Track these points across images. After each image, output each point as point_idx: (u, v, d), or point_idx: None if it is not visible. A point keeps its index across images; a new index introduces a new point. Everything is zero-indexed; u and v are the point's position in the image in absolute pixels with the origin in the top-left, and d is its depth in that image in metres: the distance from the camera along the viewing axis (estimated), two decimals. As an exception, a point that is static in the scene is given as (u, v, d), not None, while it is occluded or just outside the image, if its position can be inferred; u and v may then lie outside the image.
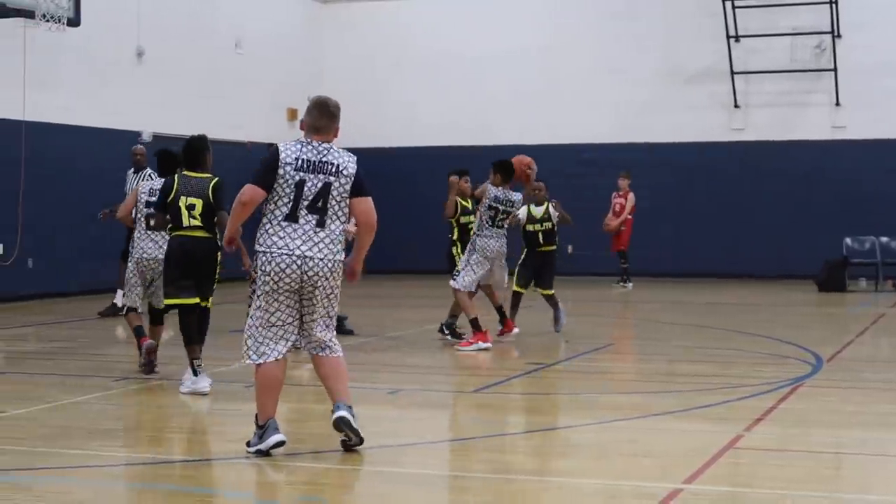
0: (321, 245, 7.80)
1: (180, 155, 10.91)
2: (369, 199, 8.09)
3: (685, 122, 25.21)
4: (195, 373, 10.31)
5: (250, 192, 7.79)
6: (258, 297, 7.86)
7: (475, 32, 26.56)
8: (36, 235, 18.63)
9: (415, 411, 9.70)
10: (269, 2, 25.76)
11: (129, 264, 11.66)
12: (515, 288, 14.78)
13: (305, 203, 7.77)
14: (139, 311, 11.63)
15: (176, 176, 10.60)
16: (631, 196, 22.95)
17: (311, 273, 7.77)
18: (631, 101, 25.56)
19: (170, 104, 22.46)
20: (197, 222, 10.32)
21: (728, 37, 24.59)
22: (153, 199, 11.28)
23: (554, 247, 14.94)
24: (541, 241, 14.75)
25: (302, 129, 8.17)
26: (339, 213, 7.91)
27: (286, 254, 7.72)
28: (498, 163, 14.29)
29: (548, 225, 14.79)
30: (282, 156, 7.80)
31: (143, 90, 21.84)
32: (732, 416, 9.29)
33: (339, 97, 24.79)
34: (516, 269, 14.84)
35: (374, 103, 27.11)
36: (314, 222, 7.80)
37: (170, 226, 10.50)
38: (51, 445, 8.25)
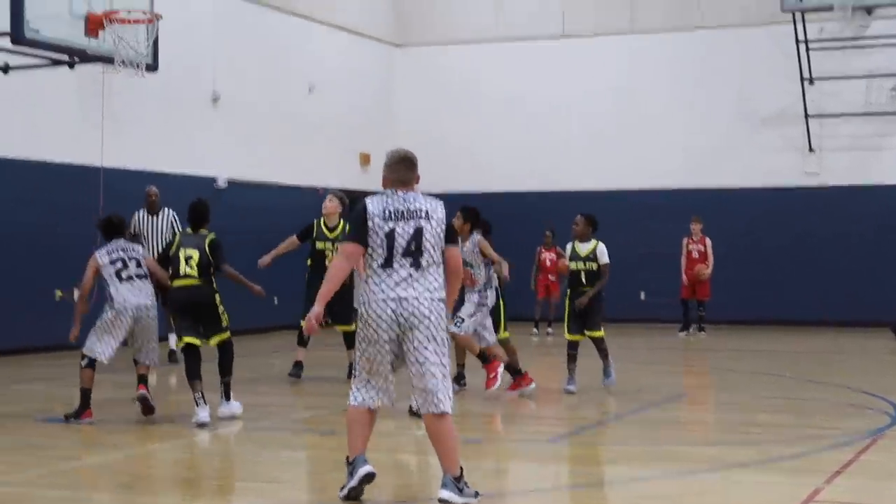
0: (418, 287, 7.79)
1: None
2: (457, 247, 8.17)
3: (759, 165, 25.02)
4: (197, 404, 10.89)
5: (350, 248, 7.89)
6: (360, 346, 7.92)
7: (547, 76, 26.57)
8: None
9: (488, 462, 9.63)
10: (343, 47, 25.94)
11: (109, 314, 11.50)
12: (569, 337, 14.15)
13: (400, 250, 7.81)
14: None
15: (178, 236, 11.67)
16: (708, 241, 22.69)
17: (406, 314, 7.74)
18: (704, 145, 25.41)
19: (244, 149, 22.66)
20: (193, 272, 11.19)
21: (802, 79, 24.39)
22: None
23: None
24: (584, 281, 14.02)
25: (385, 185, 8.12)
26: (435, 257, 7.92)
27: (382, 299, 7.74)
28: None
29: (592, 265, 14.05)
30: (369, 209, 7.87)
31: (218, 135, 22.06)
32: (811, 469, 9.14)
33: (412, 141, 25.00)
34: (566, 316, 14.22)
35: (446, 147, 27.15)
36: (409, 265, 7.82)
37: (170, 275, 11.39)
38: (128, 494, 8.29)
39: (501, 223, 26.16)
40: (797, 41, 24.12)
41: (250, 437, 10.69)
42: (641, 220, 25.35)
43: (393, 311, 7.74)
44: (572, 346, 14.07)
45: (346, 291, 13.79)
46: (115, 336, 11.41)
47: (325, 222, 14.73)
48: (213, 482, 8.88)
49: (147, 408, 11.24)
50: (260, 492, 8.41)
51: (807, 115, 24.59)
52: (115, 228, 11.83)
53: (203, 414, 10.79)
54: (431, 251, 7.88)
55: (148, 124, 20.53)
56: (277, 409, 12.51)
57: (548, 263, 23.09)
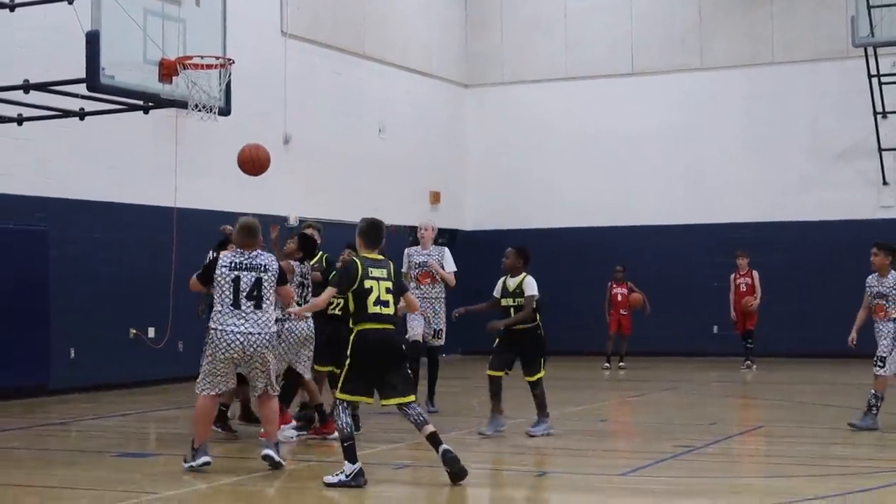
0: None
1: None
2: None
3: (832, 200, 24.82)
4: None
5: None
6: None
7: (617, 112, 26.59)
8: (186, 318, 18.98)
9: (564, 494, 9.61)
10: (412, 87, 26.13)
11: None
12: (489, 372, 13.05)
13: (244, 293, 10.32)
14: None
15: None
16: (755, 274, 22.58)
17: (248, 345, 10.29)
18: (776, 180, 25.29)
19: (315, 189, 22.86)
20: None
21: (875, 113, 24.19)
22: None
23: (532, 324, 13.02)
24: (512, 315, 12.91)
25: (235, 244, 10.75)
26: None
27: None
28: None
29: (521, 300, 12.90)
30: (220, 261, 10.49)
31: (289, 176, 22.26)
32: (891, 503, 9.02)
33: (481, 178, 24.98)
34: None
35: (516, 184, 27.27)
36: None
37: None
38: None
39: (571, 258, 26.35)
40: (869, 76, 23.95)
41: (322, 470, 10.73)
42: (713, 255, 25.23)
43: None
44: (492, 383, 13.00)
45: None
46: None
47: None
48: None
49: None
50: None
51: (880, 149, 24.38)
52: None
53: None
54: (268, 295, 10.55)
55: (220, 166, 20.76)
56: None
57: (619, 298, 23.10)
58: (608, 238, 26.13)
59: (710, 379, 20.90)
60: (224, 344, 10.21)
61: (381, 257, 10.13)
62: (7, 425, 14.28)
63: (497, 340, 13.00)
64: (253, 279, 10.31)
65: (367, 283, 9.80)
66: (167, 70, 13.64)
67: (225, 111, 14.39)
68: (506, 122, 27.71)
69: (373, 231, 10.13)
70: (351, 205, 23.73)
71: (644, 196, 26.22)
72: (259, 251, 10.57)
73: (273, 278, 10.44)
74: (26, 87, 13.97)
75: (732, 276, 22.80)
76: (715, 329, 25.24)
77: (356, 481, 9.54)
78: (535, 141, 27.28)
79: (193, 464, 10.20)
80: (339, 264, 13.25)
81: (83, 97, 14.05)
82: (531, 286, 12.87)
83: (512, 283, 12.95)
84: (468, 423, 13.82)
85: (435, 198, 26.71)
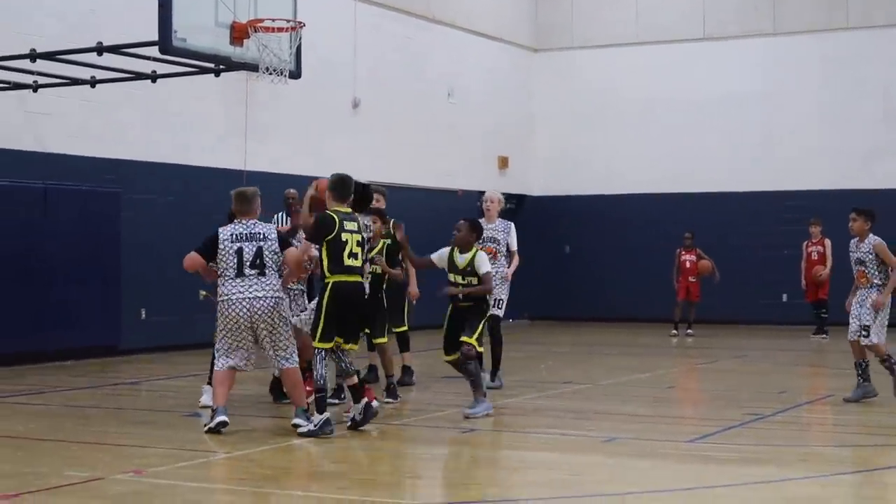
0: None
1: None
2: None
3: (906, 168, 24.50)
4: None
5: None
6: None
7: (687, 78, 26.38)
8: (255, 281, 19.22)
9: (631, 460, 9.59)
10: (481, 51, 26.07)
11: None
12: (446, 358, 11.68)
13: (248, 263, 10.39)
14: None
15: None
16: (828, 242, 22.19)
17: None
18: (850, 147, 24.99)
19: (384, 153, 22.91)
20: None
21: (949, 80, 23.83)
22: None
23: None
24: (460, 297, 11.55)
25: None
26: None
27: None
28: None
29: (472, 279, 11.48)
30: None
31: (358, 139, 22.35)
32: (963, 472, 8.93)
33: (549, 144, 24.98)
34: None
35: (583, 150, 27.15)
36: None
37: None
38: (273, 486, 8.45)
39: (639, 225, 26.24)
40: (947, 40, 23.59)
41: (392, 434, 10.79)
42: (782, 223, 25.02)
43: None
44: (456, 366, 11.67)
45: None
46: None
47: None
48: (355, 477, 8.99)
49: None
50: (400, 486, 8.50)
51: (955, 115, 24.01)
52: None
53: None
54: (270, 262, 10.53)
55: (290, 129, 20.91)
56: (413, 408, 12.61)
57: (688, 265, 22.97)
58: (676, 205, 25.97)
59: (778, 347, 20.76)
60: (232, 312, 10.35)
61: (350, 210, 10.64)
62: (79, 384, 14.50)
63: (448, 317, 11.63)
64: (254, 249, 10.40)
65: (343, 236, 10.38)
66: (238, 33, 13.67)
67: (295, 74, 14.41)
68: (574, 87, 27.57)
69: (342, 185, 10.64)
70: (419, 169, 23.80)
71: (714, 163, 26.01)
72: (255, 220, 10.62)
73: (274, 245, 10.49)
74: (99, 49, 14.06)
75: (805, 243, 22.51)
76: (784, 297, 25.05)
77: (323, 430, 10.10)
78: (604, 106, 27.13)
79: (211, 424, 10.33)
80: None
81: (155, 60, 14.12)
82: (485, 262, 11.51)
83: (462, 259, 11.49)
84: (531, 389, 13.81)
85: (503, 163, 26.67)
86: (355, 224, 10.58)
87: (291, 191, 16.73)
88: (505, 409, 12.38)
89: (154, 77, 14.98)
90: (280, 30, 13.86)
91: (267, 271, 10.40)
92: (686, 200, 26.03)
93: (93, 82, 15.35)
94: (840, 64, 25.26)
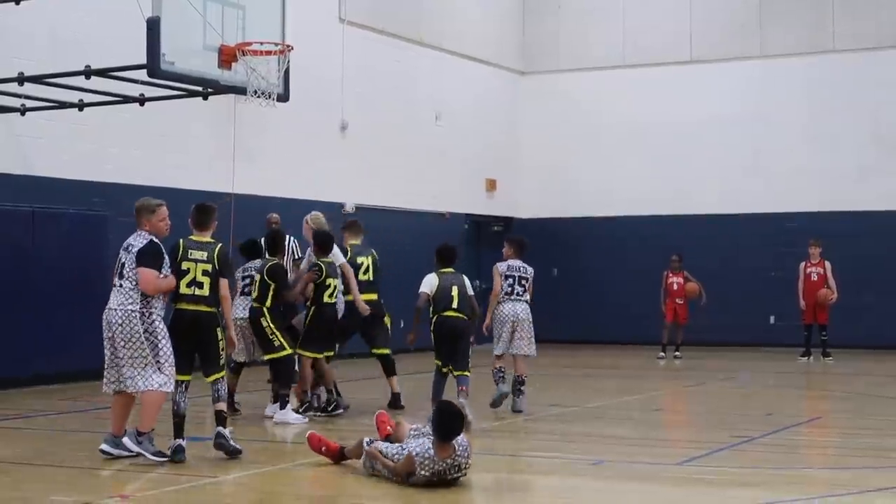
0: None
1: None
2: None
3: (892, 189, 24.54)
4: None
5: None
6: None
7: (675, 100, 26.43)
8: (243, 304, 19.15)
9: (619, 483, 9.59)
10: (468, 75, 26.12)
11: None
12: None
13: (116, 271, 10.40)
14: None
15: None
16: (828, 264, 22.23)
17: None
18: (838, 169, 25.04)
19: (371, 176, 22.92)
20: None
21: (938, 100, 23.92)
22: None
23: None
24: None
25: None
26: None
27: None
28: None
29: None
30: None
31: (346, 162, 22.37)
32: (951, 495, 8.94)
33: (537, 166, 24.86)
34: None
35: (571, 172, 27.19)
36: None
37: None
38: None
39: (627, 247, 26.26)
40: (932, 62, 23.70)
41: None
42: (773, 245, 25.09)
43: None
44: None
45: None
46: None
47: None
48: (350, 501, 8.96)
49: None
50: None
51: (943, 137, 24.10)
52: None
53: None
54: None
55: (278, 152, 20.92)
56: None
57: (675, 287, 22.98)
58: (665, 227, 26.00)
59: (766, 369, 20.78)
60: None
61: (207, 240, 10.79)
62: (67, 408, 14.44)
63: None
64: (122, 258, 10.39)
65: (185, 265, 10.51)
66: (226, 56, 13.70)
67: (283, 97, 14.43)
68: (562, 109, 27.61)
69: (200, 214, 10.96)
70: (407, 192, 23.81)
71: (701, 185, 26.05)
72: (139, 231, 10.51)
73: (132, 258, 10.25)
74: (87, 72, 14.07)
75: (802, 264, 22.43)
76: (772, 319, 25.09)
77: (174, 457, 10.09)
78: (592, 129, 27.18)
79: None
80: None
81: (143, 83, 14.13)
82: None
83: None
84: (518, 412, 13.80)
85: (491, 185, 26.71)
86: (205, 253, 10.58)
87: (274, 216, 16.75)
88: (492, 433, 12.37)
89: (142, 100, 14.98)
90: (268, 53, 13.89)
91: (123, 282, 10.22)
92: (674, 223, 26.07)
93: (81, 105, 15.35)
94: (827, 86, 25.33)
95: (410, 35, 24.34)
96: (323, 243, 13.31)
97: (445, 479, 8.91)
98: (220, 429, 10.31)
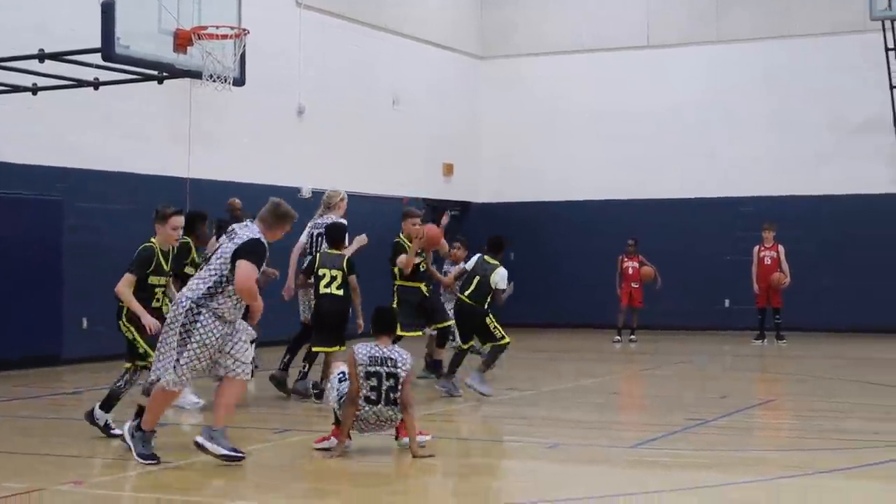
0: None
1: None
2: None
3: (848, 174, 24.73)
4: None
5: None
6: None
7: (633, 85, 26.49)
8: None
9: (575, 466, 9.64)
10: (426, 59, 26.09)
11: None
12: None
13: None
14: None
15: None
16: (781, 248, 22.39)
17: None
18: (792, 154, 25.20)
19: (328, 161, 22.86)
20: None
21: (891, 87, 24.05)
22: None
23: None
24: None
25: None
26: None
27: None
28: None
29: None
30: None
31: (303, 147, 22.30)
32: (902, 475, 9.05)
33: (496, 151, 24.81)
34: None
35: (530, 156, 27.22)
36: None
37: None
38: (220, 497, 8.41)
39: (584, 232, 26.33)
40: (886, 49, 23.81)
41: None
42: (727, 228, 25.23)
43: None
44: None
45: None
46: None
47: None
48: (313, 485, 8.96)
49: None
50: (338, 494, 8.46)
51: (896, 123, 24.30)
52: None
53: None
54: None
55: (234, 137, 20.84)
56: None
57: (630, 271, 23.06)
58: (622, 212, 26.10)
59: (722, 352, 20.92)
60: None
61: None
62: (20, 394, 14.36)
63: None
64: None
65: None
66: (182, 40, 13.65)
67: (239, 81, 14.39)
68: (520, 94, 27.64)
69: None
70: (364, 176, 23.76)
71: (658, 170, 26.14)
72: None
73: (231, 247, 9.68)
74: (41, 56, 13.98)
75: (756, 248, 22.54)
76: (727, 303, 25.26)
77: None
78: (550, 113, 27.22)
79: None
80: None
81: (98, 67, 14.06)
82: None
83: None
84: (475, 395, 13.82)
85: (448, 169, 26.71)
86: None
87: (236, 200, 16.68)
88: (448, 416, 12.40)
89: (97, 84, 14.89)
90: (224, 37, 13.84)
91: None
92: (632, 207, 26.17)
93: (34, 89, 15.24)
94: (784, 71, 25.45)
95: (368, 20, 24.27)
96: (332, 236, 13.45)
97: (381, 381, 9.47)
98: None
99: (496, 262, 13.80)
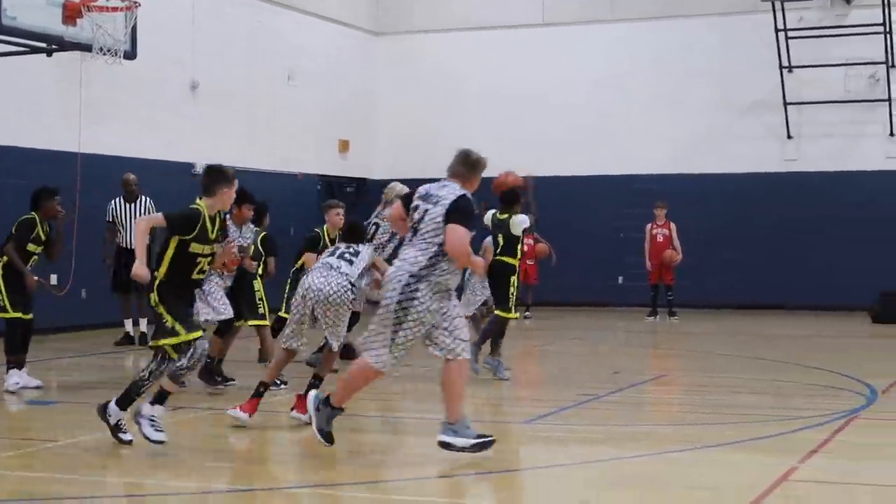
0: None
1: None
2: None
3: (739, 153, 25.12)
4: None
5: None
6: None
7: (528, 64, 26.58)
8: (89, 266, 18.78)
9: (467, 442, 9.65)
10: (322, 35, 25.92)
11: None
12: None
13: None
14: None
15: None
16: (673, 226, 22.68)
17: None
18: (685, 132, 25.51)
19: (223, 136, 22.65)
20: None
21: (781, 67, 24.47)
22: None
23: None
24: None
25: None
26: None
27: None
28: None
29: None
30: None
31: (197, 122, 22.06)
32: (787, 448, 9.21)
33: (392, 128, 24.80)
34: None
35: (427, 133, 27.16)
36: None
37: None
38: (100, 475, 8.31)
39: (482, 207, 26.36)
40: (776, 30, 24.23)
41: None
42: (621, 206, 25.46)
43: None
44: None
45: None
46: None
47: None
48: (194, 462, 8.89)
49: None
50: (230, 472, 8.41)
51: (785, 103, 24.68)
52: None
53: None
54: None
55: (126, 111, 20.52)
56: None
57: (525, 248, 23.08)
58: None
59: (615, 328, 21.14)
60: None
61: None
62: None
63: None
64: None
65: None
66: (71, 12, 13.45)
67: (131, 55, 14.23)
68: (416, 71, 27.60)
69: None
70: (259, 152, 23.59)
71: (553, 147, 26.25)
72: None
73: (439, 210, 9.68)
74: (-77, 27, 13.65)
75: (649, 226, 22.82)
76: (620, 279, 25.52)
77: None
78: (446, 90, 27.22)
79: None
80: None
81: (-17, 38, 13.78)
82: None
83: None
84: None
85: (343, 146, 26.61)
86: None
87: (131, 176, 16.47)
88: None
89: (-17, 56, 14.60)
90: (114, 9, 13.68)
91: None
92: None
93: (-83, 61, 14.89)
94: (678, 51, 25.71)
95: (263, -7, 24.06)
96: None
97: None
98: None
99: (507, 215, 13.70)
